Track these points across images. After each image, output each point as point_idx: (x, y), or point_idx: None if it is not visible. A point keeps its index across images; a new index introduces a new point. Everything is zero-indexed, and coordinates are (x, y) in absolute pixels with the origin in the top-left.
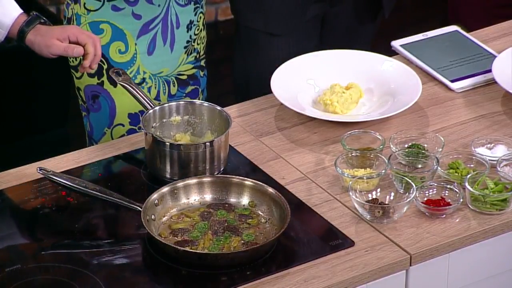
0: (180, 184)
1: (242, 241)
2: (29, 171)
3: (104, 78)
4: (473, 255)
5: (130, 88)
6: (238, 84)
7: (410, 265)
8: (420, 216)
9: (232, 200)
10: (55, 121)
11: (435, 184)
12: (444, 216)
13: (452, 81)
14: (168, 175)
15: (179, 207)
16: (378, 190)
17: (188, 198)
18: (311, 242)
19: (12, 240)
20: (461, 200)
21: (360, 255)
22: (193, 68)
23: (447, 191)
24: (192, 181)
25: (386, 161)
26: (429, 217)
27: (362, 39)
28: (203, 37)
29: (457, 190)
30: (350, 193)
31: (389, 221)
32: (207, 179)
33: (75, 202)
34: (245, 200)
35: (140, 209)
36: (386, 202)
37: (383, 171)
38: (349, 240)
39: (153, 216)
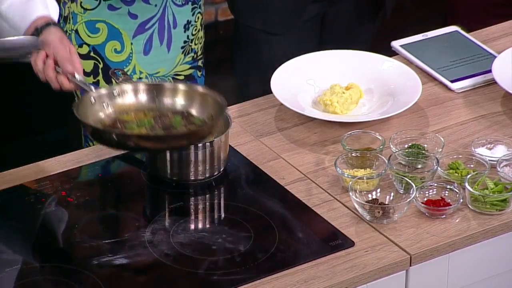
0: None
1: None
2: (29, 171)
3: (100, 77)
4: (473, 255)
5: None
6: (237, 84)
7: (410, 266)
8: (420, 216)
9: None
10: (55, 121)
11: (435, 185)
12: (444, 216)
13: (452, 81)
14: (168, 175)
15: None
16: (378, 190)
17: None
18: (311, 243)
19: (12, 240)
20: (461, 200)
21: (360, 255)
22: (190, 68)
23: (447, 192)
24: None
25: (386, 161)
26: (429, 218)
27: (362, 38)
28: (201, 37)
29: (457, 191)
30: (350, 194)
31: (389, 221)
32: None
33: (75, 202)
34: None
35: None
36: (386, 202)
37: (383, 171)
38: (349, 240)
39: (104, 105)
